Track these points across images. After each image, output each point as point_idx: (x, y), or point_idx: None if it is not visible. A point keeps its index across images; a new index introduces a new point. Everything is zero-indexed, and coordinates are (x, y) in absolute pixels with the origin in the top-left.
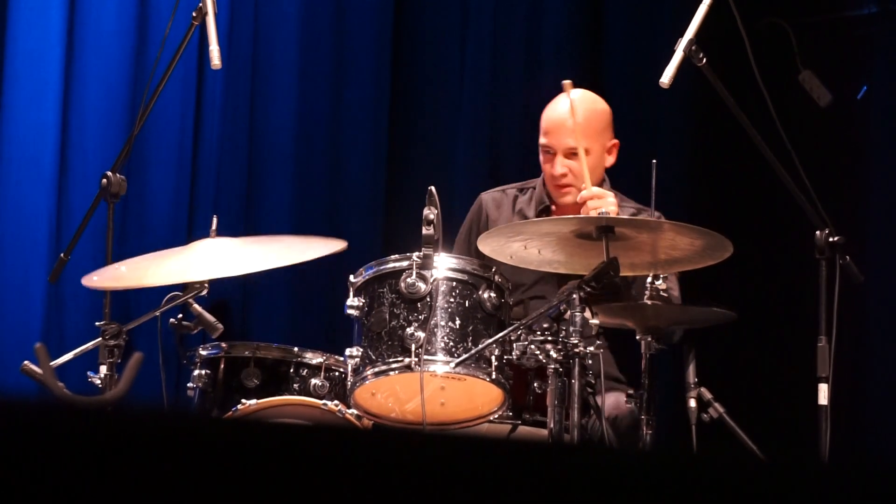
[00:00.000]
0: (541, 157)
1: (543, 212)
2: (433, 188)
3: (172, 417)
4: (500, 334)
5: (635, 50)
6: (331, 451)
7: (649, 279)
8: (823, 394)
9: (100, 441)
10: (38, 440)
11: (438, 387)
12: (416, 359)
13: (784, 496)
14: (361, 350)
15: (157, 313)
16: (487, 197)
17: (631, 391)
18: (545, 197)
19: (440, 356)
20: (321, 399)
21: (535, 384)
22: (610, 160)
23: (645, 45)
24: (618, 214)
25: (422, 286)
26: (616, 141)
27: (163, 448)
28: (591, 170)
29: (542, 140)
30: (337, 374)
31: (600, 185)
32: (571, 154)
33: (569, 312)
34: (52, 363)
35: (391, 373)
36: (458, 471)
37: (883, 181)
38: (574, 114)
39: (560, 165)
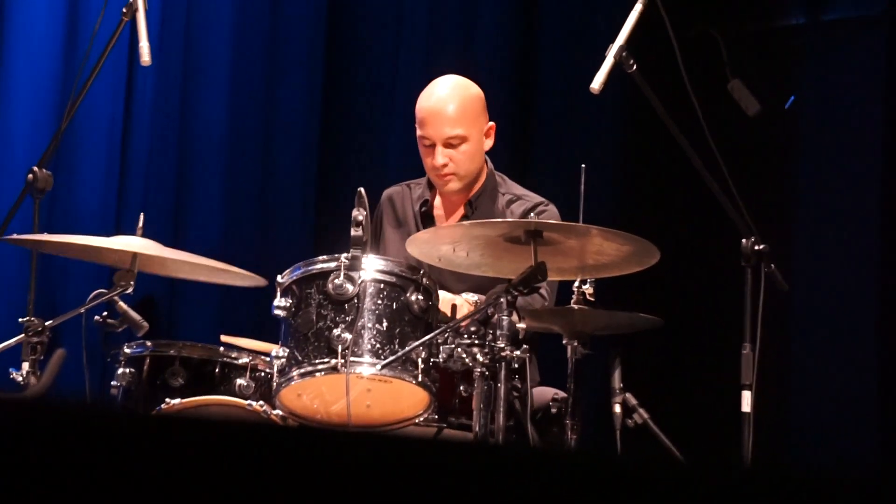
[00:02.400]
0: (420, 149)
1: (423, 205)
2: (362, 190)
3: (94, 412)
4: (427, 337)
5: (567, 55)
6: (254, 448)
7: (576, 283)
8: (747, 401)
9: (19, 436)
10: None
11: (365, 389)
12: (343, 360)
13: (703, 499)
14: (288, 350)
15: (82, 310)
16: (388, 193)
17: (556, 395)
18: (427, 192)
19: (367, 358)
20: (246, 399)
21: (462, 387)
22: (488, 143)
23: (576, 51)
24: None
25: (349, 287)
26: (492, 124)
27: (84, 443)
28: (470, 156)
29: (419, 132)
30: (263, 374)
31: (481, 170)
32: (450, 144)
33: (496, 316)
34: None
35: (317, 374)
36: (381, 470)
37: (809, 191)
38: (447, 101)
39: (440, 156)
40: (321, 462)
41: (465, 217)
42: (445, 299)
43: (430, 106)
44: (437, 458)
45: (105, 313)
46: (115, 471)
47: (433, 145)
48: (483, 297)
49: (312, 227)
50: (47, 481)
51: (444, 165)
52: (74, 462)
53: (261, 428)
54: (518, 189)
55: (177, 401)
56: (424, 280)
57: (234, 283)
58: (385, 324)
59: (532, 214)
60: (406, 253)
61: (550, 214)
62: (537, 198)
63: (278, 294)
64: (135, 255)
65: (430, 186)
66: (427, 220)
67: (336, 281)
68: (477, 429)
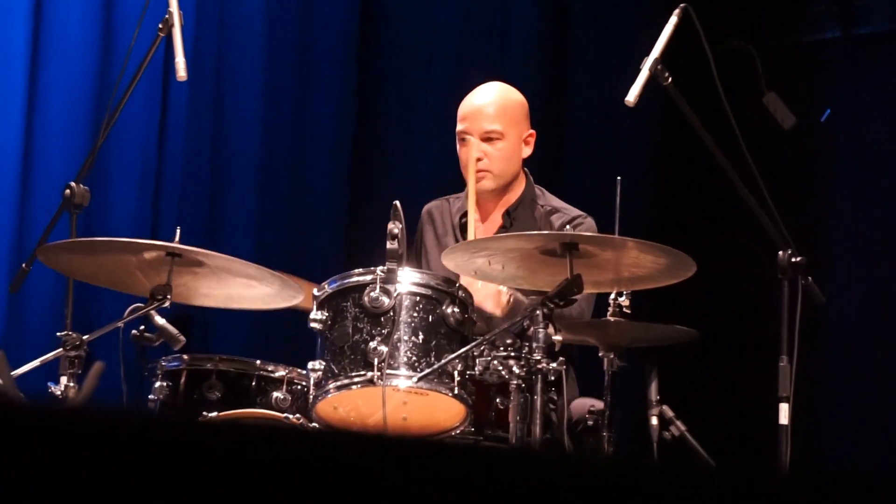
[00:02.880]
0: (458, 147)
1: (463, 216)
2: (398, 203)
3: (132, 420)
4: (463, 349)
5: (600, 68)
6: (290, 454)
7: (612, 295)
8: (784, 413)
9: (60, 445)
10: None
11: (401, 401)
12: (379, 373)
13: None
14: (324, 363)
15: (119, 324)
16: (428, 208)
17: (593, 406)
18: (466, 203)
19: (403, 370)
20: (283, 412)
21: (498, 400)
22: (527, 151)
23: (610, 64)
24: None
25: (385, 300)
26: (533, 132)
27: (122, 450)
28: (506, 156)
29: (458, 127)
30: (299, 387)
31: (517, 177)
32: (487, 139)
33: (531, 328)
34: (12, 373)
35: (353, 387)
36: (420, 475)
37: (844, 203)
38: (489, 99)
39: (476, 150)
40: (358, 467)
41: (502, 227)
42: (489, 290)
43: (472, 102)
44: (473, 464)
45: (142, 327)
46: (154, 477)
47: (470, 140)
48: (516, 293)
49: (345, 240)
50: (86, 488)
51: (479, 160)
52: (112, 468)
53: (298, 435)
54: (557, 202)
55: (214, 414)
56: (460, 293)
57: (269, 307)
58: (421, 336)
59: (568, 227)
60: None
61: (588, 227)
62: (575, 211)
63: (314, 307)
64: (171, 268)
65: None
66: (465, 230)
67: (372, 294)
68: (513, 441)
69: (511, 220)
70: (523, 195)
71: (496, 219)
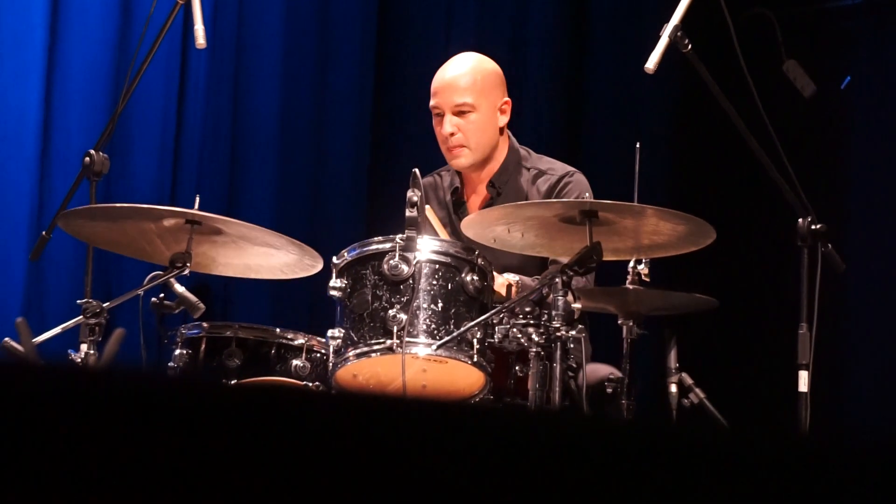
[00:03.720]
0: (433, 123)
1: (454, 193)
2: (417, 171)
3: (158, 381)
4: (483, 317)
5: (620, 37)
6: (313, 415)
7: (632, 263)
8: (804, 381)
9: (81, 406)
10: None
11: (420, 369)
12: (398, 340)
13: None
14: (343, 331)
15: (139, 292)
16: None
17: (612, 375)
18: (456, 179)
19: (422, 338)
20: (302, 380)
21: (517, 367)
22: (503, 119)
23: (629, 32)
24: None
25: (404, 268)
26: (508, 100)
27: (150, 413)
28: (480, 127)
29: (431, 103)
30: (318, 355)
31: (496, 146)
32: (459, 112)
33: (551, 296)
34: (33, 339)
35: (373, 354)
36: (438, 438)
37: (864, 170)
38: (459, 71)
39: (449, 124)
40: (379, 429)
41: (490, 199)
42: (499, 283)
43: (442, 76)
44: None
45: (161, 295)
46: (172, 440)
47: (443, 115)
48: (523, 278)
49: (365, 209)
50: (108, 450)
51: (452, 134)
52: (138, 431)
53: (322, 398)
54: (543, 163)
55: (233, 382)
56: (479, 260)
57: (287, 276)
58: (440, 304)
59: (560, 187)
60: None
61: (576, 183)
62: (563, 168)
63: (333, 275)
64: (190, 236)
65: (459, 172)
66: (459, 207)
67: (391, 262)
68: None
69: (497, 191)
70: (506, 162)
71: (482, 191)
